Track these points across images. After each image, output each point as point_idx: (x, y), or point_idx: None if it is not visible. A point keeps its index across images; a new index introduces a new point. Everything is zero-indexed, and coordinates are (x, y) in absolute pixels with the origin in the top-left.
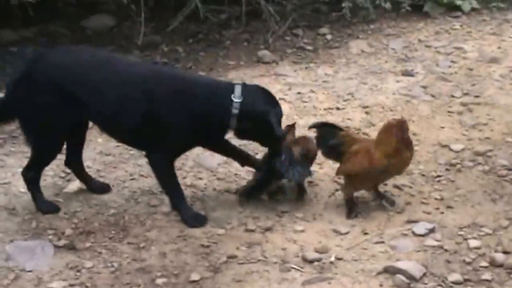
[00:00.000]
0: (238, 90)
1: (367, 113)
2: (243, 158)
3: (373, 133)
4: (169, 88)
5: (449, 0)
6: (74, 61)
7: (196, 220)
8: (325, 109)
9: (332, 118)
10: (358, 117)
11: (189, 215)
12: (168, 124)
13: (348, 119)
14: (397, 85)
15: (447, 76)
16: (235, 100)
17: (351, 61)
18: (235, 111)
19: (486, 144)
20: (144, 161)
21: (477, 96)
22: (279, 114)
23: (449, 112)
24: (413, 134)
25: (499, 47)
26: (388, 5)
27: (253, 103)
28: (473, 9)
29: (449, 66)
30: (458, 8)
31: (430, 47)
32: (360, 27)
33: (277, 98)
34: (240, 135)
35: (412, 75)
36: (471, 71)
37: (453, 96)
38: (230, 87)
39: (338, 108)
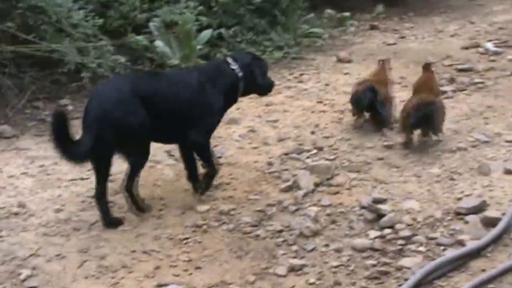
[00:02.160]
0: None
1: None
2: None
3: (121, 201)
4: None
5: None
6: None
7: None
8: (69, 180)
9: (77, 189)
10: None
11: None
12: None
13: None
14: None
15: None
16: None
17: None
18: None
19: (229, 203)
20: None
21: (219, 157)
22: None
23: None
24: (160, 198)
25: (238, 108)
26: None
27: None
28: None
29: None
30: None
31: None
32: None
33: (19, 173)
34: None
35: None
36: None
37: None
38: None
39: (82, 179)
